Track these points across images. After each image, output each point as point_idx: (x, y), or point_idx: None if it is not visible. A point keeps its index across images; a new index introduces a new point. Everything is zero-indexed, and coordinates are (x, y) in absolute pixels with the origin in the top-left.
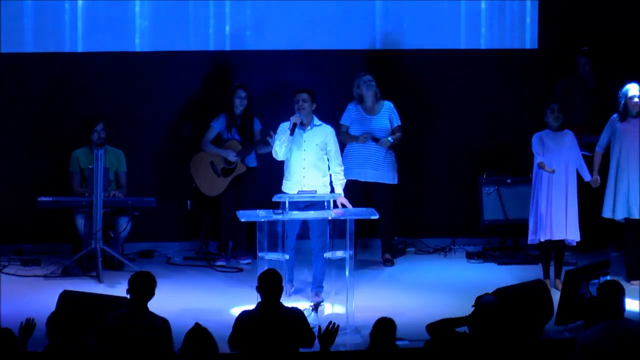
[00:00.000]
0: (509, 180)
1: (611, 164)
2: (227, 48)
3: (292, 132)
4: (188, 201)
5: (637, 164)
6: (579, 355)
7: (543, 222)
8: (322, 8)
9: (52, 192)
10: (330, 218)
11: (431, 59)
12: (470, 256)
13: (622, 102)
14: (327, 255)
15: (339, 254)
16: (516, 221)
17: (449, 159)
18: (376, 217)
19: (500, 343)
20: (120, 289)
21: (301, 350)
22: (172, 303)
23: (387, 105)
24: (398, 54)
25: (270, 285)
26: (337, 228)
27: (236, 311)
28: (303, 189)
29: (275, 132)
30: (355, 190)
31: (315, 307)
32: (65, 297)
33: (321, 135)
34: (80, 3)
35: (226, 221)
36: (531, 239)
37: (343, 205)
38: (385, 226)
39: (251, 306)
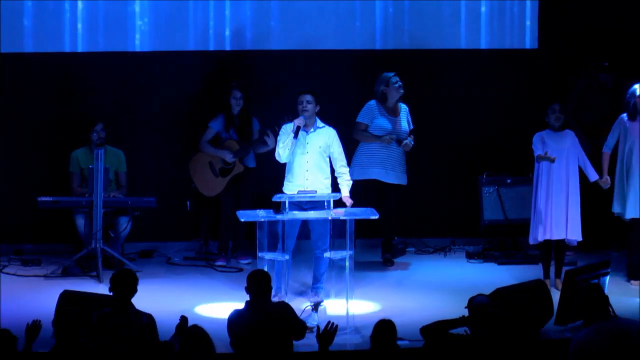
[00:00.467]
0: (509, 180)
1: (618, 162)
2: (227, 48)
3: (296, 135)
4: (187, 202)
5: None
6: (573, 358)
7: (543, 222)
8: (322, 8)
9: (52, 192)
10: (330, 218)
11: (431, 59)
12: (470, 256)
13: (632, 101)
14: (327, 255)
15: (339, 254)
16: (516, 221)
17: (449, 159)
18: (376, 217)
19: (498, 343)
20: None
21: (301, 349)
22: (171, 303)
23: (404, 108)
24: (398, 54)
25: (259, 285)
26: (337, 228)
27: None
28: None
29: (272, 132)
30: (363, 190)
31: (315, 307)
32: (65, 297)
33: (324, 137)
34: (80, 3)
35: (225, 221)
36: (532, 238)
37: (344, 205)
38: (388, 226)
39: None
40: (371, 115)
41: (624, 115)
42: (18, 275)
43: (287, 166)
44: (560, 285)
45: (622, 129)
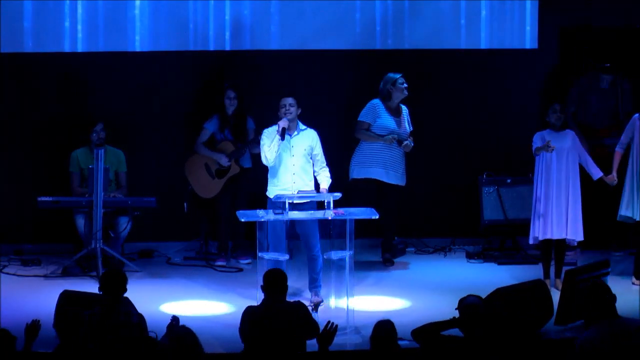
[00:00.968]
0: (509, 180)
1: (630, 162)
2: (227, 48)
3: (282, 137)
4: (184, 203)
5: None
6: (579, 356)
7: (544, 221)
8: (322, 8)
9: (52, 192)
10: (330, 218)
11: (431, 59)
12: (470, 256)
13: None
14: (327, 255)
15: (339, 254)
16: (516, 221)
17: (449, 159)
18: (376, 217)
19: (492, 343)
20: None
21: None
22: (171, 303)
23: (405, 110)
24: (398, 54)
25: (276, 284)
26: (336, 228)
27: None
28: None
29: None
30: (363, 189)
31: (315, 307)
32: (65, 297)
33: (307, 139)
34: (80, 3)
35: (224, 222)
36: (532, 238)
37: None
38: (388, 226)
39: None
40: (374, 114)
41: (637, 115)
42: (18, 275)
43: (271, 170)
44: (560, 285)
45: (635, 129)
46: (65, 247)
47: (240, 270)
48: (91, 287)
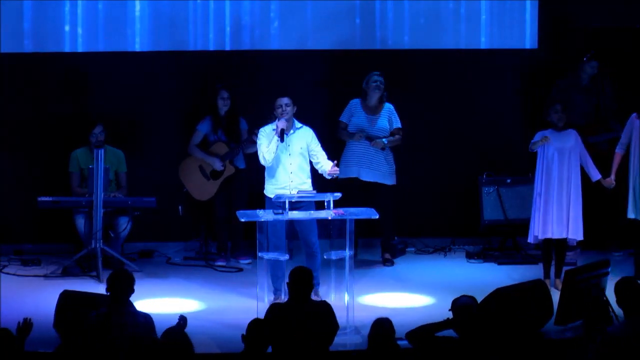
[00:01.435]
0: (509, 180)
1: (631, 163)
2: (227, 48)
3: (282, 139)
4: (179, 207)
5: None
6: (600, 352)
7: (543, 220)
8: (322, 8)
9: (52, 192)
10: (330, 218)
11: (431, 59)
12: (470, 256)
13: None
14: (327, 255)
15: (339, 254)
16: (516, 221)
17: (449, 159)
18: (376, 217)
19: (486, 344)
20: None
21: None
22: (171, 303)
23: (388, 107)
24: (398, 54)
25: (302, 283)
26: (336, 228)
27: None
28: (292, 193)
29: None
30: (355, 190)
31: None
32: (65, 297)
33: (303, 137)
34: (80, 3)
35: (221, 224)
36: (532, 237)
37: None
38: (385, 226)
39: (252, 305)
40: (349, 113)
41: (634, 114)
42: (18, 275)
43: (268, 169)
44: (560, 285)
45: (634, 129)
46: (65, 247)
47: (240, 270)
48: (91, 287)
